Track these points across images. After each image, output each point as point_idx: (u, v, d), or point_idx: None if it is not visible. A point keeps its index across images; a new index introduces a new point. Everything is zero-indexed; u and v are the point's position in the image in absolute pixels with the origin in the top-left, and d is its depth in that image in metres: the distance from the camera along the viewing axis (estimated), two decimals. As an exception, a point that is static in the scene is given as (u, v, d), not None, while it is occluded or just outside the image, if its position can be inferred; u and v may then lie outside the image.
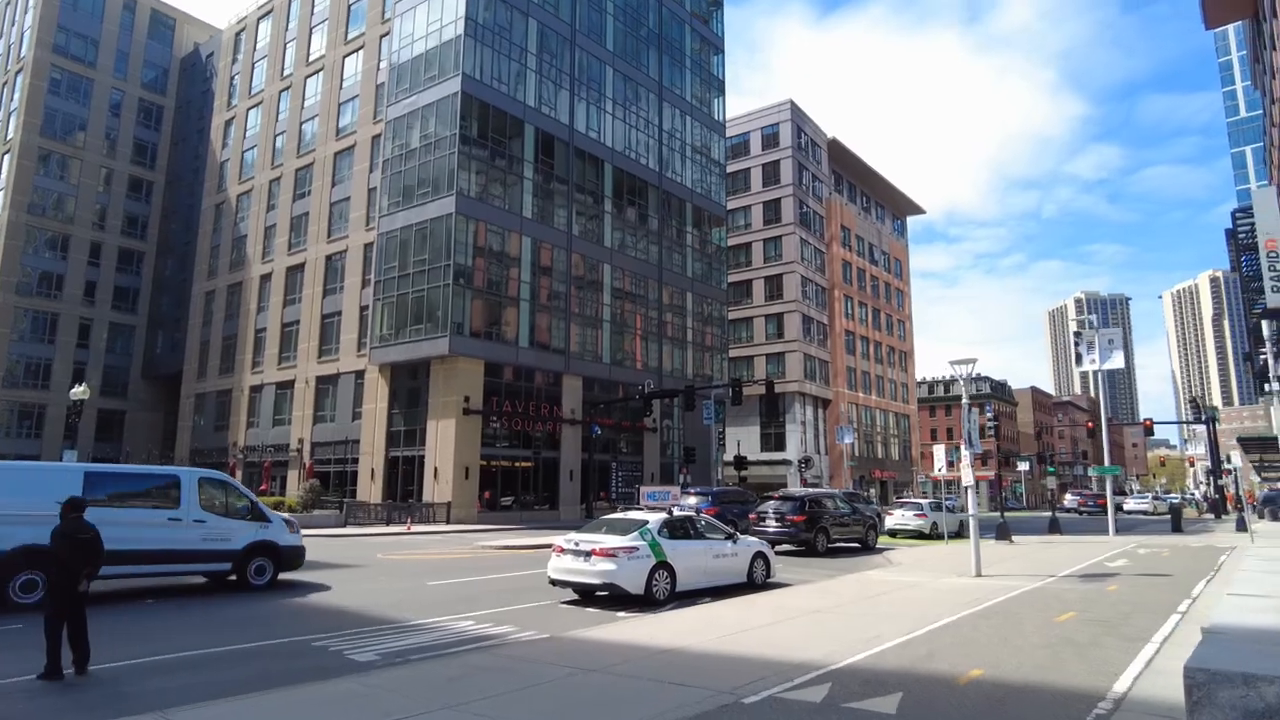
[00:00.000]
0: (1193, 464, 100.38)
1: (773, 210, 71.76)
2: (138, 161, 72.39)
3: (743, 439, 63.66)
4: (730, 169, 70.21)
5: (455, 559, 21.34)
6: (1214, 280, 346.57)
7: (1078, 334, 31.13)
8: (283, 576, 16.10)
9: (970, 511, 16.36)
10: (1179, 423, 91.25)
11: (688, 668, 7.91)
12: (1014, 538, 26.55)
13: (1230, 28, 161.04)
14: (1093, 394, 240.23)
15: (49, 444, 64.15)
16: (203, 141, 67.03)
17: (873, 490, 71.15)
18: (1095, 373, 30.23)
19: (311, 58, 54.80)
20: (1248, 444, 50.80)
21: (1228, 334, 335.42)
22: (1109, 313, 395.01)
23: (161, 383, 69.11)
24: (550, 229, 46.37)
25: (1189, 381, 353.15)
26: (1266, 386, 31.77)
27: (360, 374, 46.01)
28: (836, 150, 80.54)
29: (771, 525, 22.98)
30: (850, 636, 9.45)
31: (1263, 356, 75.22)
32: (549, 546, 14.52)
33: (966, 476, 16.39)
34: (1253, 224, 69.92)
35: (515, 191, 44.80)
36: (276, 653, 9.66)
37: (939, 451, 25.83)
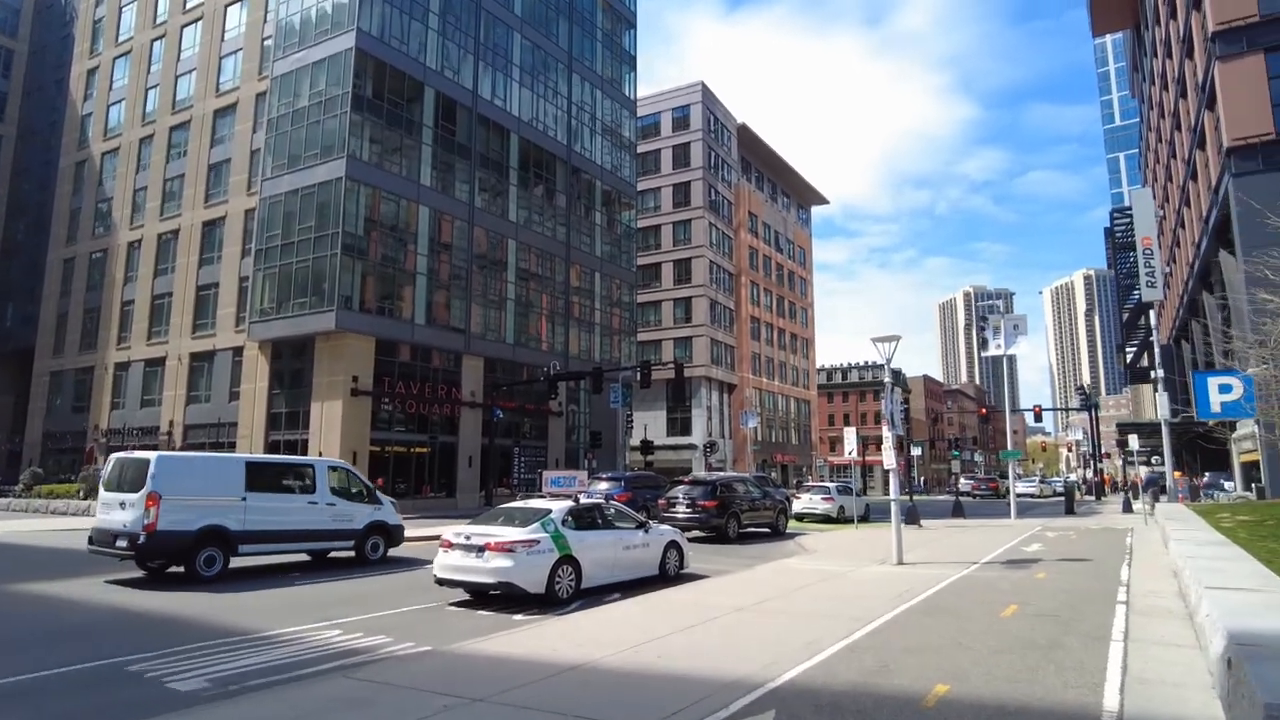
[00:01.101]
0: (1071, 449, 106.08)
1: (682, 193, 70.89)
2: (-16, 112, 64.91)
3: (649, 423, 62.79)
4: (640, 149, 68.80)
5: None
6: (1088, 278, 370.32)
7: (983, 319, 31.31)
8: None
9: (893, 496, 15.55)
10: (1066, 409, 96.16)
11: (598, 693, 6.43)
12: (922, 522, 26.32)
13: (1109, 41, 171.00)
14: (978, 382, 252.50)
15: (-127, 426, 57.02)
16: (61, 93, 60.63)
17: (774, 474, 71.69)
18: (1002, 358, 30.48)
19: (189, 5, 49.95)
20: (1125, 429, 53.33)
21: (1098, 329, 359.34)
22: (993, 306, 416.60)
23: (12, 360, 62.37)
24: (451, 200, 43.81)
25: (1064, 372, 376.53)
26: (1153, 373, 32.79)
27: (239, 351, 42.35)
28: (746, 136, 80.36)
29: (682, 511, 21.80)
30: (786, 641, 8.20)
31: (1132, 348, 79.90)
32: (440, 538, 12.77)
33: (889, 459, 15.55)
34: (1129, 224, 73.75)
35: (413, 158, 42.02)
36: (87, 680, 7.61)
37: (849, 435, 25.29)
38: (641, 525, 13.91)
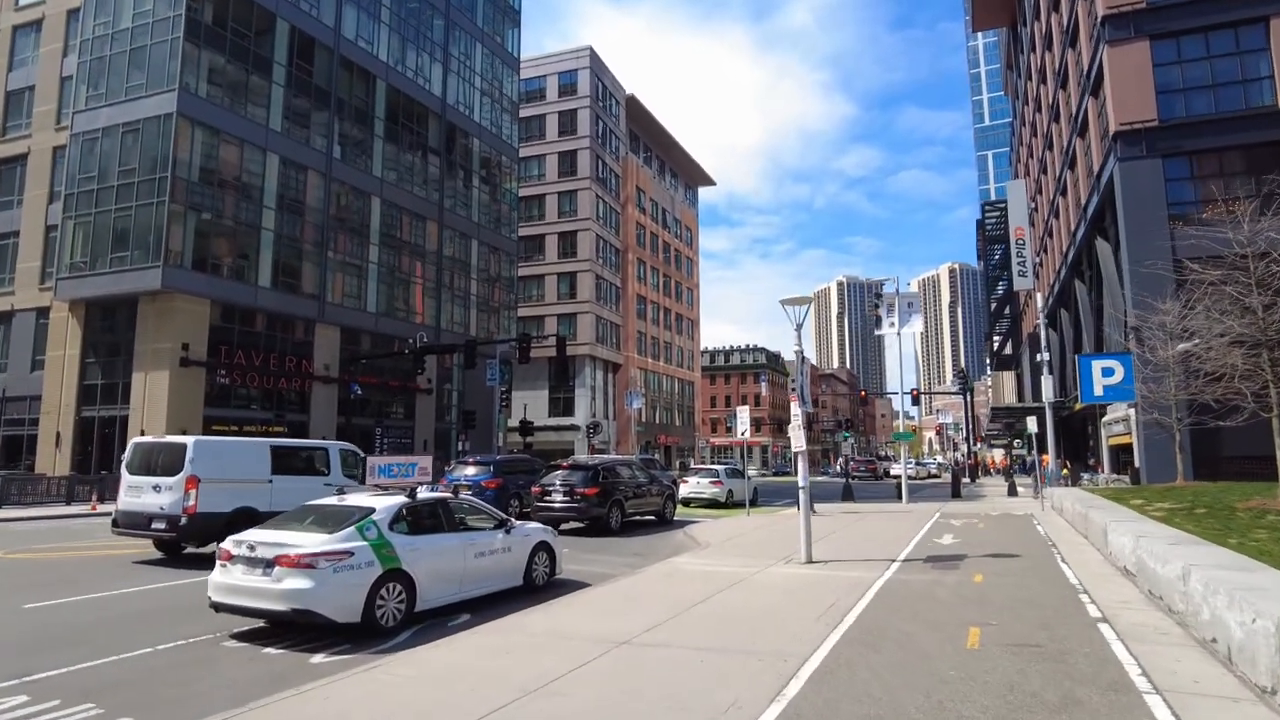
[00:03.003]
0: (939, 432, 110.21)
1: (568, 162, 67.52)
2: None
3: (530, 403, 59.56)
4: (524, 114, 64.92)
5: (113, 557, 15.26)
6: (953, 272, 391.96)
7: (878, 295, 30.00)
8: None
9: (801, 483, 13.26)
10: (945, 393, 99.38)
11: None
12: (815, 506, 24.56)
13: (981, 44, 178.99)
14: (850, 368, 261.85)
15: None
16: None
17: (658, 456, 70.02)
18: (881, 344, 29.27)
19: (-15, -97, 42.24)
20: (1000, 413, 54.49)
21: (960, 319, 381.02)
22: (866, 296, 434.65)
23: None
24: (305, 148, 38.93)
25: (929, 361, 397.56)
26: (1039, 357, 32.54)
27: (44, 312, 36.21)
28: (635, 109, 77.73)
29: (558, 500, 18.97)
30: (690, 708, 5.55)
31: (998, 337, 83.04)
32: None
33: (798, 439, 13.26)
34: (1000, 217, 75.93)
35: (260, 98, 36.94)
36: None
37: (743, 414, 23.15)
38: (501, 524, 10.98)
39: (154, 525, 14.25)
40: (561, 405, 64.76)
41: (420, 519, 9.78)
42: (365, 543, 8.73)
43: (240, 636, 8.71)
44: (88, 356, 34.89)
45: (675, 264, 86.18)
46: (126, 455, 15.50)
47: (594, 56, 69.07)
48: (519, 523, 11.48)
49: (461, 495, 21.76)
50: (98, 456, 33.64)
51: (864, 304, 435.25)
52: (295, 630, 8.70)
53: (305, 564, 8.20)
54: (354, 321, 41.53)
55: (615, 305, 70.75)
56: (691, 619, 8.82)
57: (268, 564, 8.35)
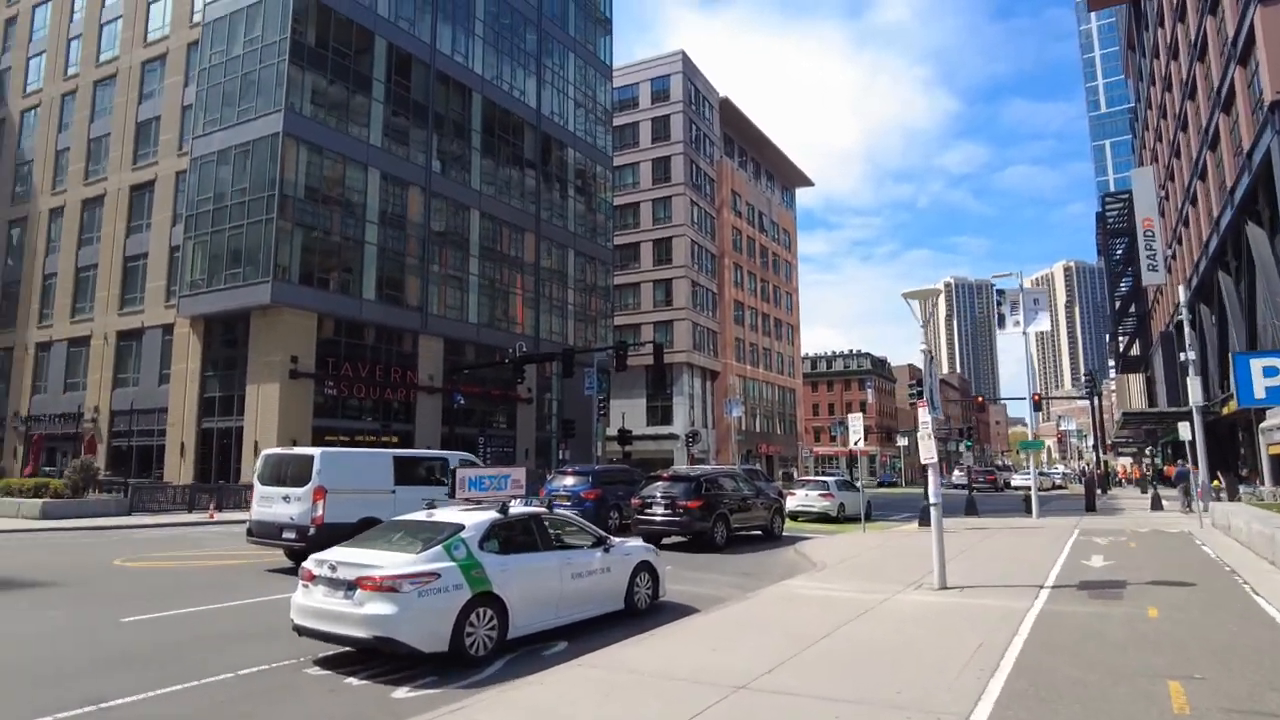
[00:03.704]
0: (1061, 439, 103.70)
1: (662, 169, 66.87)
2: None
3: (628, 412, 58.95)
4: (617, 122, 64.77)
5: (222, 568, 15.28)
6: (1068, 270, 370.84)
7: (1000, 292, 27.76)
8: None
9: (932, 498, 11.83)
10: (1065, 398, 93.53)
11: None
12: (936, 522, 22.70)
13: (1095, 27, 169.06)
14: (961, 373, 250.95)
15: None
16: (-17, 49, 55.43)
17: (759, 466, 68.20)
18: (1026, 334, 26.95)
19: (116, -53, 45.19)
20: (1132, 418, 50.26)
21: (1078, 320, 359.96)
22: (975, 297, 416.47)
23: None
24: (405, 163, 39.62)
25: (1044, 365, 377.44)
26: (1182, 356, 29.43)
27: (169, 329, 38.06)
28: (728, 111, 76.46)
29: (659, 514, 18.02)
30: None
31: (1124, 337, 77.09)
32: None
33: (927, 449, 11.83)
34: (1122, 209, 70.59)
35: (361, 115, 37.81)
36: None
37: (855, 421, 21.62)
38: (599, 542, 10.09)
39: (284, 535, 14.56)
40: (659, 414, 63.96)
41: (512, 537, 8.98)
42: (453, 563, 7.98)
43: (325, 663, 8.10)
44: (207, 370, 36.41)
45: (773, 268, 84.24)
46: (258, 466, 15.88)
47: (686, 61, 68.30)
48: (618, 540, 10.56)
49: (559, 507, 21.13)
50: (217, 466, 34.97)
51: (973, 305, 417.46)
52: (381, 656, 8.02)
53: (388, 587, 7.50)
54: (456, 332, 41.96)
55: (712, 312, 69.54)
56: (816, 657, 7.65)
57: (349, 586, 7.70)
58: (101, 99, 44.02)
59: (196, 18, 39.04)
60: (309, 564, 8.18)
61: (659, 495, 18.22)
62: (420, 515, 9.17)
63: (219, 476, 34.08)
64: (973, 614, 9.67)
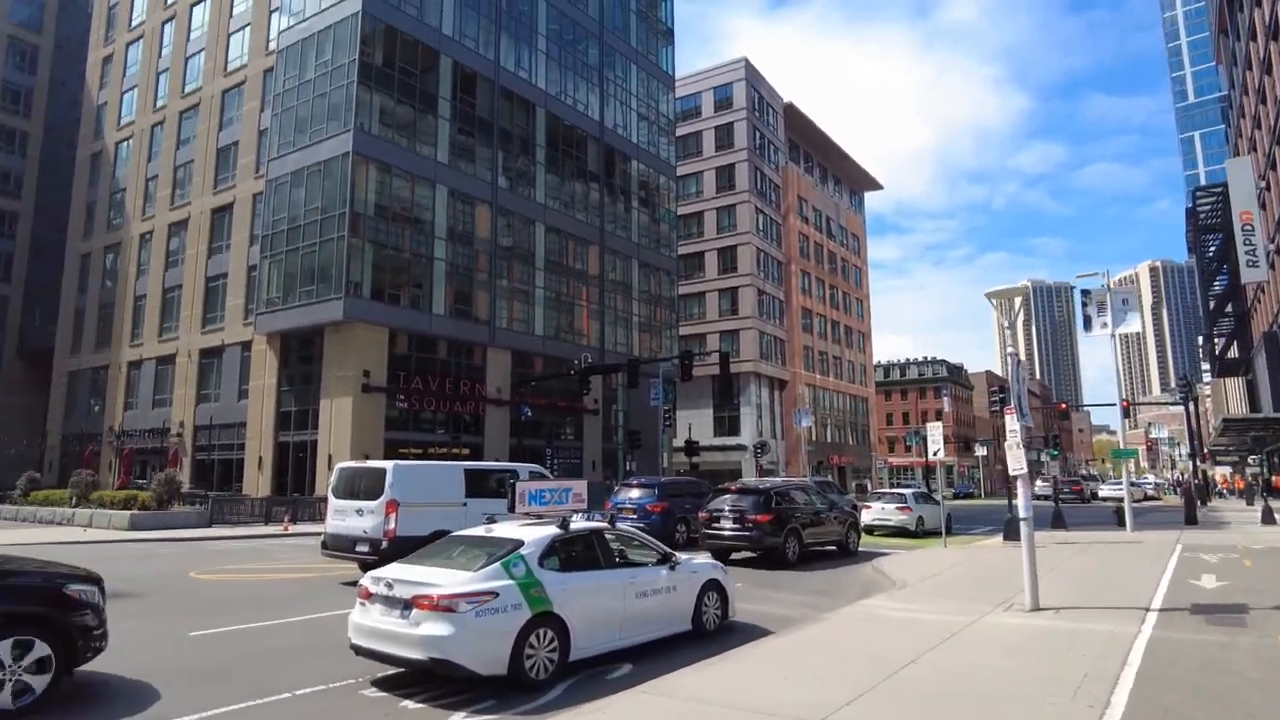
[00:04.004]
0: (1151, 447, 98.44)
1: (726, 177, 66.28)
2: (8, 109, 63.56)
3: (694, 423, 58.34)
4: (680, 132, 64.50)
5: (294, 581, 15.38)
6: (1154, 270, 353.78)
7: (1086, 293, 26.26)
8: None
9: (1022, 513, 10.97)
10: (1155, 404, 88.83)
11: None
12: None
13: (1180, 13, 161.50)
14: (1041, 379, 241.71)
15: (-100, 430, 55.63)
16: (82, 85, 58.74)
17: (830, 477, 66.62)
18: (1113, 336, 25.43)
19: (198, -19, 47.27)
20: (1233, 425, 47.06)
21: (1166, 322, 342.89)
22: (1054, 300, 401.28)
23: (40, 360, 60.66)
24: (471, 179, 40.11)
25: (1130, 370, 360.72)
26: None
27: (247, 345, 39.29)
28: (793, 116, 75.43)
29: (728, 528, 17.45)
30: None
31: (1219, 339, 72.61)
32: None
33: (1017, 460, 11.00)
34: (1214, 203, 66.73)
35: (428, 133, 38.44)
36: None
37: (934, 431, 20.64)
38: (665, 559, 9.63)
39: (358, 548, 14.67)
40: (726, 424, 63.14)
41: (574, 553, 8.62)
42: (512, 581, 7.65)
43: (383, 684, 7.86)
44: (283, 385, 37.41)
45: (842, 274, 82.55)
46: (332, 479, 16.01)
47: (749, 67, 67.70)
48: (684, 556, 10.08)
49: (624, 521, 20.74)
50: (292, 479, 35.82)
51: (1052, 308, 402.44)
52: (439, 679, 7.72)
53: (444, 606, 7.20)
54: (523, 345, 42.19)
55: (779, 320, 68.44)
56: (901, 688, 7.02)
57: (405, 605, 7.43)
58: (186, 128, 46.02)
59: (272, 45, 40.42)
60: (366, 581, 7.97)
61: (727, 508, 17.65)
62: (479, 530, 8.89)
63: (294, 489, 34.89)
64: (1072, 639, 8.85)
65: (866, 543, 22.10)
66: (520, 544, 8.08)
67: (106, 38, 54.47)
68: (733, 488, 18.69)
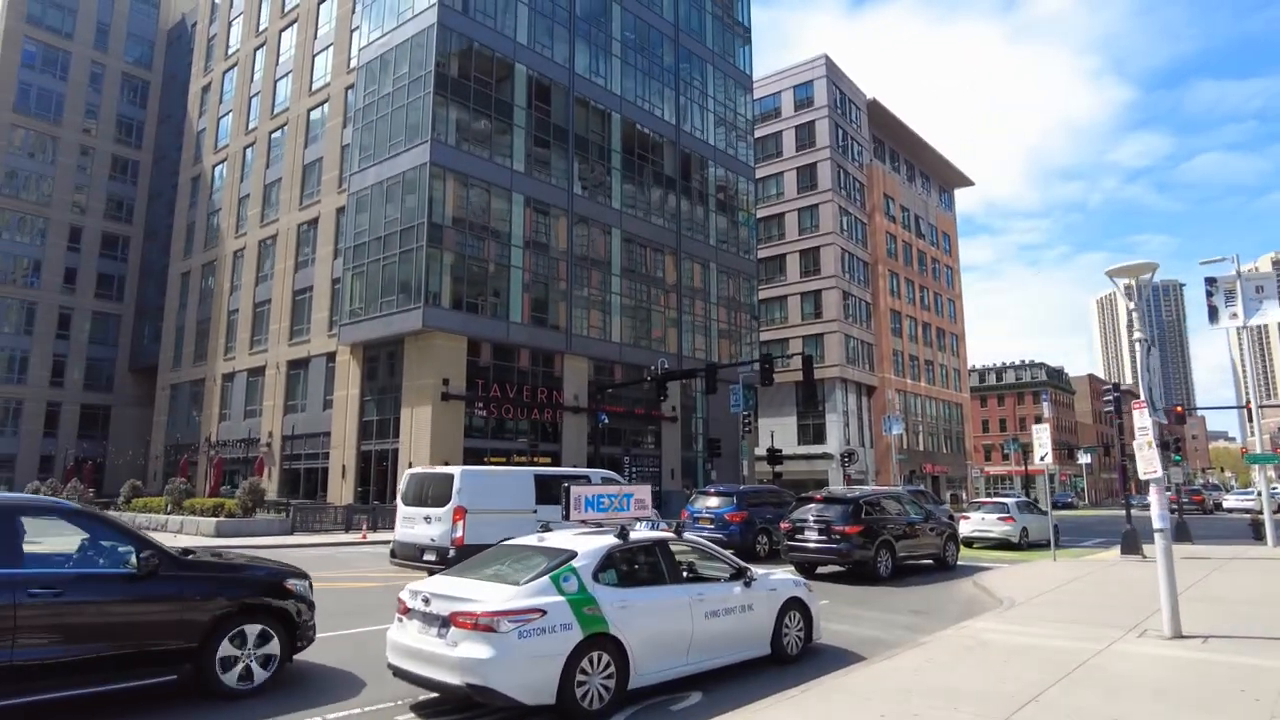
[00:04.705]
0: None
1: (808, 176, 64.45)
2: (121, 140, 67.57)
3: (777, 430, 56.66)
4: (760, 134, 63.22)
5: (359, 590, 14.95)
6: (1277, 263, 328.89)
7: (1212, 280, 23.77)
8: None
9: (1158, 523, 9.44)
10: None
11: None
12: (1144, 549, 19.37)
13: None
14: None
15: (26, 440, 59.63)
16: (186, 115, 61.84)
17: (923, 486, 63.62)
18: (1244, 327, 22.94)
19: (287, 7, 48.95)
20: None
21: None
22: (1161, 299, 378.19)
23: (150, 376, 63.96)
24: (547, 186, 39.90)
25: (1250, 370, 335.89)
26: None
27: (331, 356, 40.05)
28: (877, 112, 72.91)
29: (813, 539, 16.18)
30: None
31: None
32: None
33: (1148, 461, 9.48)
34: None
35: (504, 142, 38.43)
36: None
37: (1042, 434, 18.84)
38: (739, 574, 8.58)
39: (425, 557, 14.25)
40: (811, 432, 61.12)
41: (634, 566, 7.69)
42: (562, 598, 6.77)
43: (422, 709, 7.10)
44: (365, 395, 37.90)
45: (933, 274, 79.20)
46: (401, 486, 15.63)
47: (830, 64, 65.77)
48: (761, 571, 8.99)
49: (702, 531, 19.67)
50: (374, 487, 36.16)
51: (1158, 309, 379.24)
52: (480, 705, 6.91)
53: (484, 625, 6.38)
54: (600, 352, 41.67)
55: (866, 323, 65.99)
56: (1025, 734, 5.79)
57: (443, 622, 6.65)
58: (275, 148, 47.59)
59: (353, 63, 41.30)
60: (404, 594, 7.24)
61: (812, 519, 16.39)
62: (530, 539, 8.05)
63: (376, 497, 35.17)
64: (1233, 678, 7.36)
65: (965, 556, 20.39)
66: (573, 555, 7.20)
67: (206, 68, 57.14)
68: (818, 496, 17.38)
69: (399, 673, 7.01)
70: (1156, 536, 9.52)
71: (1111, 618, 10.66)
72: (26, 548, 6.39)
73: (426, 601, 6.88)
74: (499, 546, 8.21)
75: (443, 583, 7.13)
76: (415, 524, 14.69)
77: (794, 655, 8.77)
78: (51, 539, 6.98)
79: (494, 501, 14.39)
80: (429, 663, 6.64)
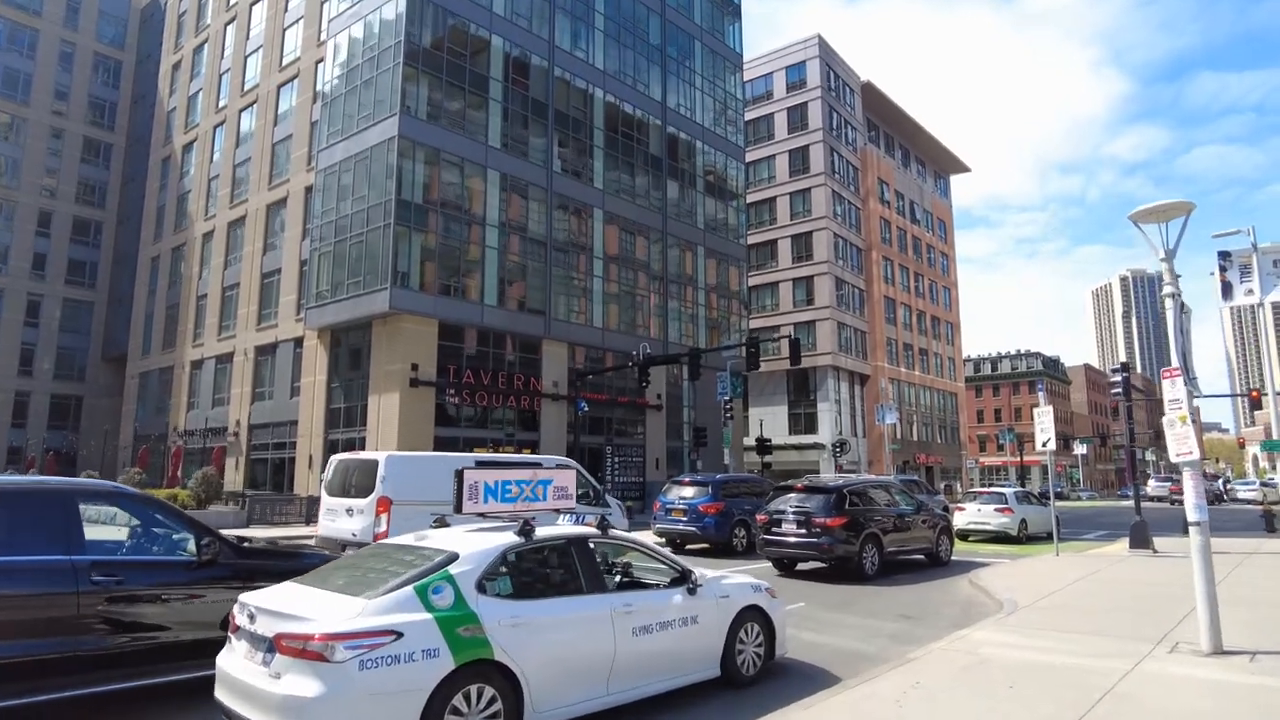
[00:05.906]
0: None
1: (800, 159, 62.69)
2: (94, 122, 65.45)
3: (767, 420, 55.14)
4: (751, 115, 61.47)
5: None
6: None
7: (1225, 254, 22.16)
8: None
9: (1194, 515, 7.83)
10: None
11: None
12: (1155, 544, 17.80)
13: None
14: (1143, 373, 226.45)
15: (-8, 432, 57.69)
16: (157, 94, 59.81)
17: (917, 477, 62.14)
18: (1256, 305, 21.39)
19: (257, -20, 46.95)
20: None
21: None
22: (1156, 291, 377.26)
23: (122, 364, 62.05)
24: (524, 163, 38.10)
25: (1244, 360, 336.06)
26: None
27: (299, 342, 38.26)
28: (871, 96, 71.17)
29: (790, 533, 14.54)
30: None
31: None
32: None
33: (1181, 439, 7.86)
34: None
35: (479, 117, 36.58)
36: None
37: (1044, 417, 17.23)
38: (682, 577, 6.92)
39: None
40: (802, 422, 59.55)
41: (538, 572, 6.04)
42: (428, 615, 5.10)
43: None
44: (332, 382, 36.16)
45: (928, 261, 77.57)
46: (326, 473, 13.97)
47: (823, 44, 63.93)
48: (711, 574, 7.32)
49: (675, 523, 17.99)
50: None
51: (1153, 300, 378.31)
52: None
53: (313, 653, 4.73)
54: (581, 337, 39.98)
55: (859, 310, 64.37)
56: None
57: (269, 646, 5.00)
58: (245, 126, 45.67)
59: (323, 37, 39.40)
60: (236, 607, 5.58)
61: (790, 510, 14.74)
62: (407, 538, 6.39)
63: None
64: (1302, 710, 5.75)
65: (960, 550, 18.80)
66: (452, 558, 5.54)
67: (176, 44, 55.07)
68: (798, 485, 15.71)
69: (225, 712, 5.36)
70: (1193, 531, 7.90)
71: (1132, 626, 9.06)
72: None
73: (252, 618, 5.23)
74: (370, 547, 6.60)
75: (274, 595, 5.45)
76: (338, 517, 13.05)
77: (750, 677, 7.13)
78: (99, 526, 6.76)
79: (424, 492, 12.35)
80: (249, 700, 4.98)
